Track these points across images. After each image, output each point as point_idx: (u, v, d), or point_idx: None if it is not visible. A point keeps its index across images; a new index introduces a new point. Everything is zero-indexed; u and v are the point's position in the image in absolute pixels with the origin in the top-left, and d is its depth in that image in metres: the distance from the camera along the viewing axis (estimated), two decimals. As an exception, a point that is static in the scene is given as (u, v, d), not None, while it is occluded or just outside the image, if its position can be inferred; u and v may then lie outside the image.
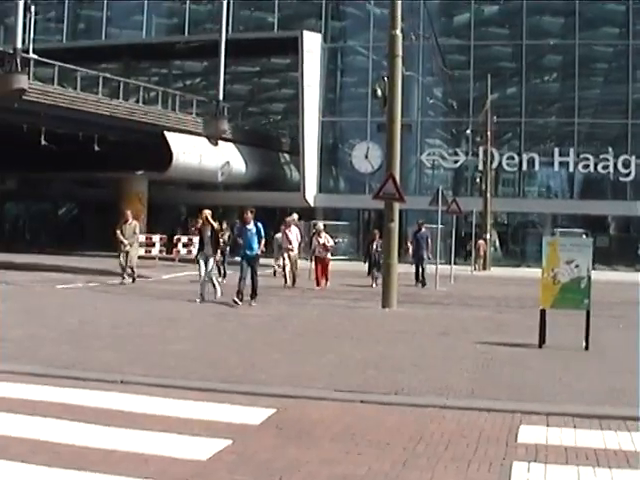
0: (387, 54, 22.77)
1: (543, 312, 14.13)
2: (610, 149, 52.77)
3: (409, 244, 32.17)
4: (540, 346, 13.92)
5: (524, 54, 53.07)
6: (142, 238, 40.72)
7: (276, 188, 53.43)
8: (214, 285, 21.47)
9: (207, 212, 21.61)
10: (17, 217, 64.83)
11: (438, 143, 56.44)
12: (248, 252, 20.44)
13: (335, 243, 31.55)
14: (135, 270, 26.33)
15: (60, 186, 55.77)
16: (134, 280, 26.02)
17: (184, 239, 42.06)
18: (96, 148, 43.85)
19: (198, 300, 20.42)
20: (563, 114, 55.00)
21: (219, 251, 23.55)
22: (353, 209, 53.38)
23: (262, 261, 22.15)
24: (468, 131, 51.88)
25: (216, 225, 21.76)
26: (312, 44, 54.14)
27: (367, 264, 30.06)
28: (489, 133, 47.43)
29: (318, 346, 13.83)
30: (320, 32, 55.28)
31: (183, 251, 41.46)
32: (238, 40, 53.87)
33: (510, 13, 54.64)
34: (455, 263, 34.79)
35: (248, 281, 20.30)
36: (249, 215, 20.92)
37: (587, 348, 13.76)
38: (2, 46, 39.91)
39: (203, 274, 21.07)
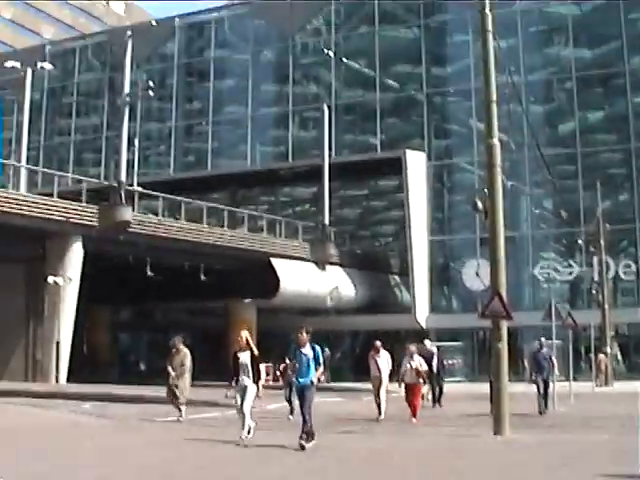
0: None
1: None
2: None
3: (526, 364, 30.47)
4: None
5: (634, 158, 51.60)
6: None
7: (387, 310, 52.56)
8: (243, 421, 17.88)
9: (245, 333, 18.28)
10: (131, 348, 65.07)
11: (551, 256, 54.92)
12: (300, 380, 17.21)
13: (445, 366, 30.19)
14: (183, 405, 23.45)
15: (171, 315, 55.92)
16: (180, 416, 23.20)
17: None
18: (202, 277, 43.91)
19: (244, 436, 17.51)
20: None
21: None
22: (467, 328, 51.90)
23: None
24: (580, 241, 50.40)
25: (256, 350, 18.00)
26: (416, 163, 53.80)
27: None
28: (602, 242, 45.82)
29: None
30: (424, 151, 54.95)
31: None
32: (342, 164, 54.21)
33: (616, 118, 53.45)
34: (575, 380, 33.01)
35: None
36: (304, 336, 17.25)
37: None
38: (114, 181, 40.54)
39: (240, 407, 17.83)
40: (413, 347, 26.24)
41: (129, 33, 42.64)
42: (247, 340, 17.94)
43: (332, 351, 49.73)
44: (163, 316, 56.24)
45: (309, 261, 49.28)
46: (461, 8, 53.04)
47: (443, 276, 55.86)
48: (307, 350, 17.26)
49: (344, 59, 59.78)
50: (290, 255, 48.13)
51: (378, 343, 26.62)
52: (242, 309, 48.79)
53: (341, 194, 59.64)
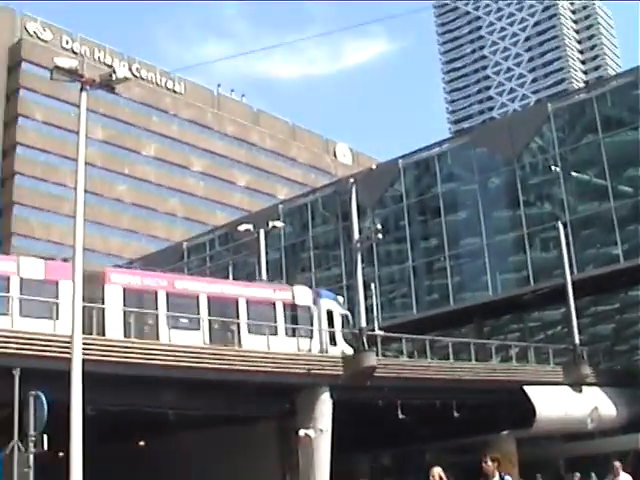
0: None
1: None
2: None
3: None
4: None
5: None
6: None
7: (654, 428, 49.45)
8: None
9: (438, 470, 15.47)
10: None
11: None
12: None
13: None
14: None
15: (429, 456, 54.86)
16: None
17: None
18: (455, 414, 43.00)
19: None
20: None
21: None
22: None
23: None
24: None
25: None
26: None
27: None
28: None
29: None
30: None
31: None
32: (587, 279, 52.55)
33: None
34: None
35: None
36: (489, 465, 14.51)
37: None
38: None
39: None
40: (617, 463, 24.56)
41: (352, 181, 43.39)
42: (441, 478, 15.49)
43: (599, 477, 47.31)
44: (421, 457, 55.20)
45: (564, 384, 47.46)
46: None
47: None
48: None
49: (573, 173, 58.51)
50: (543, 381, 46.53)
51: (617, 464, 24.96)
52: (501, 442, 47.04)
53: (591, 311, 57.70)
